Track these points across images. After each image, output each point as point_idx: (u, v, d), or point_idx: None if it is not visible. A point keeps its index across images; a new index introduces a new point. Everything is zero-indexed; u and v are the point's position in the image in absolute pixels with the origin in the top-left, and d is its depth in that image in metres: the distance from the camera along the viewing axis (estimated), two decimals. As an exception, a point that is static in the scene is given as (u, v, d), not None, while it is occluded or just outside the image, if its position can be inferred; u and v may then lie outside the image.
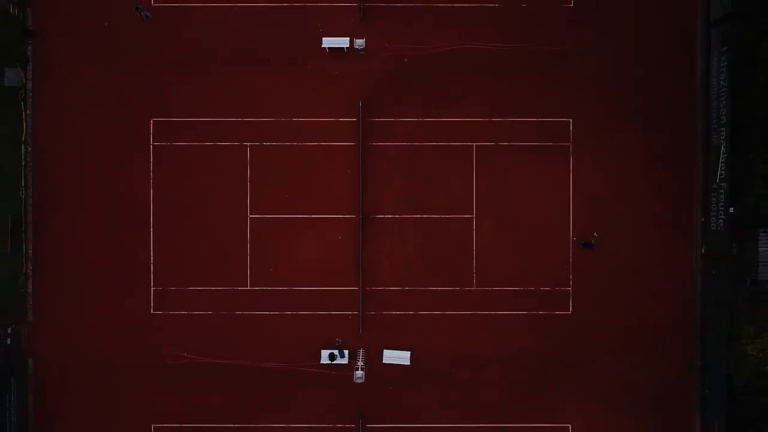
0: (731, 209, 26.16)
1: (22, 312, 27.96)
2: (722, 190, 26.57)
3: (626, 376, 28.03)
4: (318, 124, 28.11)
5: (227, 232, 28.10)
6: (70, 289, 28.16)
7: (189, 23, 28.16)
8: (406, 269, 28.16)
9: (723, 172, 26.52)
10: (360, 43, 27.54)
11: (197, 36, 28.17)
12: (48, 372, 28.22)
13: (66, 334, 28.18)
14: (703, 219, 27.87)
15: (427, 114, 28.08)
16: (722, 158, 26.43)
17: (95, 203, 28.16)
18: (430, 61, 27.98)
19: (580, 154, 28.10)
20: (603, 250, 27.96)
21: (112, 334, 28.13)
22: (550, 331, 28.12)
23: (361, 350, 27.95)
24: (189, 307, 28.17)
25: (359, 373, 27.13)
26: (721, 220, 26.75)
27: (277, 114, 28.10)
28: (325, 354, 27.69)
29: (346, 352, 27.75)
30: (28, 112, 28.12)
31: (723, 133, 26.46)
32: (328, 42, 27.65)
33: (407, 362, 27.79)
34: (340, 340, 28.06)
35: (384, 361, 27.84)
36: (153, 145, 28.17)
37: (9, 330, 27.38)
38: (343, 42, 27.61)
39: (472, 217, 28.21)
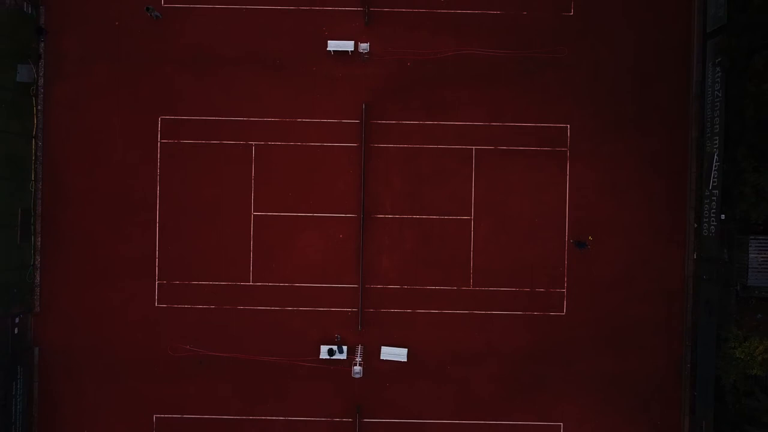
0: (722, 216, 26.75)
1: (29, 302, 28.60)
2: (714, 197, 27.16)
3: (618, 376, 28.62)
4: (322, 125, 28.74)
5: (231, 228, 28.73)
6: (76, 281, 28.77)
7: (198, 24, 28.75)
8: (405, 268, 28.77)
9: (716, 179, 27.09)
10: (364, 47, 28.14)
11: (205, 36, 28.76)
12: (53, 361, 28.84)
13: (71, 324, 28.79)
14: (695, 225, 28.48)
15: (429, 117, 28.71)
16: (715, 166, 27.02)
17: (103, 198, 28.78)
18: (432, 66, 28.60)
19: (576, 159, 28.71)
20: (597, 253, 28.61)
21: (116, 325, 28.74)
22: (544, 331, 28.72)
23: (360, 346, 28.55)
24: (192, 301, 28.79)
25: (357, 368, 27.71)
26: (713, 227, 27.37)
27: (282, 114, 28.72)
28: (324, 349, 28.28)
29: (344, 347, 28.31)
30: (39, 107, 28.73)
31: (716, 142, 27.03)
32: (333, 45, 28.25)
33: (404, 359, 28.39)
34: (339, 336, 28.66)
35: (381, 358, 28.43)
36: (160, 143, 28.81)
37: (17, 320, 27.94)
38: (347, 46, 28.22)
39: (470, 219, 28.84)
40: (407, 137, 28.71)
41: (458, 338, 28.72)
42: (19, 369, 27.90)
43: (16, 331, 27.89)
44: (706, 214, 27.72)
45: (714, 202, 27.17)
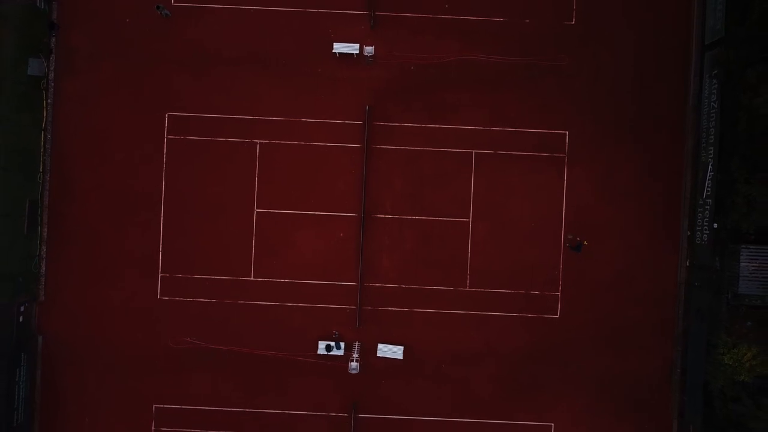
0: (715, 225, 27.22)
1: (34, 291, 29.11)
2: (708, 206, 27.65)
3: (609, 379, 29.10)
4: (325, 125, 29.25)
5: (234, 224, 29.23)
6: (81, 271, 29.29)
7: (206, 23, 29.24)
8: (404, 267, 29.25)
9: (709, 188, 27.57)
10: (369, 50, 28.61)
11: (213, 36, 29.24)
12: (56, 349, 29.34)
13: (75, 314, 29.30)
14: (689, 232, 28.96)
15: (430, 120, 29.20)
16: (709, 176, 27.50)
17: (109, 191, 29.28)
18: (435, 70, 29.09)
19: (574, 165, 29.20)
20: (592, 258, 29.09)
21: (119, 316, 29.23)
22: (538, 333, 29.19)
23: (357, 343, 29.02)
24: (194, 294, 29.29)
25: (354, 364, 28.18)
26: (705, 235, 27.85)
27: (287, 114, 29.22)
28: (322, 345, 28.75)
29: (342, 344, 28.78)
30: (49, 101, 29.22)
31: (711, 152, 27.52)
32: (338, 48, 28.74)
33: (400, 356, 28.84)
34: (337, 333, 29.14)
35: (378, 355, 28.88)
36: (167, 138, 29.34)
37: (22, 308, 28.47)
38: (353, 48, 28.69)
39: (469, 221, 29.34)
40: (409, 139, 29.21)
41: (454, 338, 29.20)
42: (23, 356, 28.39)
43: (21, 319, 28.38)
44: (700, 222, 28.21)
45: (707, 211, 27.66)
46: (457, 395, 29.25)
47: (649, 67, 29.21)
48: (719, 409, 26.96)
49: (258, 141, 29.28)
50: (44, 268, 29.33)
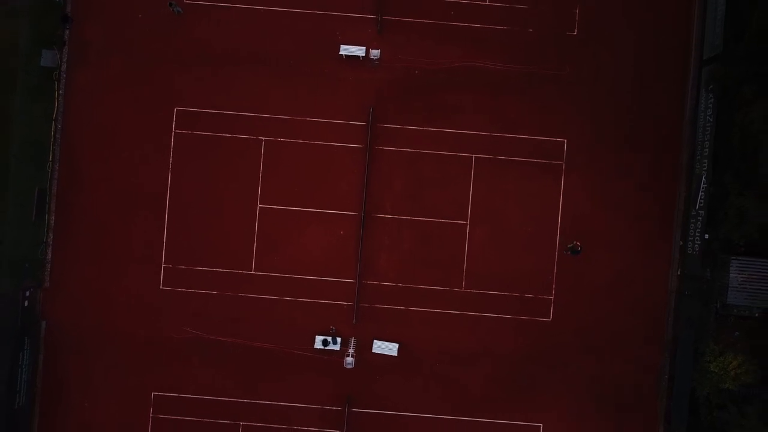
0: (706, 236, 27.77)
1: (40, 277, 29.70)
2: (700, 217, 28.14)
3: (599, 383, 29.60)
4: (329, 125, 29.81)
5: (237, 218, 29.78)
6: (86, 259, 29.85)
7: (217, 21, 29.78)
8: (401, 267, 29.78)
9: (702, 200, 28.07)
10: (375, 53, 29.22)
11: (223, 34, 29.78)
12: (59, 335, 29.86)
13: (79, 301, 29.85)
14: (681, 242, 29.47)
15: (432, 124, 29.73)
16: (702, 188, 28.00)
17: (116, 181, 29.84)
18: (439, 75, 29.64)
19: (571, 172, 29.72)
20: (585, 264, 29.61)
21: (121, 304, 29.79)
22: (530, 335, 29.70)
23: (353, 339, 29.56)
24: (195, 286, 29.84)
25: (349, 359, 28.79)
26: (697, 245, 28.36)
27: (292, 113, 29.76)
28: (319, 339, 29.27)
29: (338, 339, 29.30)
30: (60, 92, 29.80)
31: (705, 165, 28.06)
32: (345, 50, 29.32)
33: (395, 353, 29.38)
34: (334, 328, 29.65)
35: (373, 351, 29.42)
36: (174, 132, 29.94)
37: (27, 293, 29.09)
38: (359, 51, 29.28)
39: (466, 224, 29.88)
40: (410, 142, 29.75)
41: (449, 337, 29.71)
42: (26, 340, 28.98)
43: (26, 303, 29.00)
44: (692, 232, 28.73)
45: (699, 222, 28.17)
46: (449, 393, 29.76)
47: (648, 79, 29.72)
48: (704, 416, 27.50)
49: (263, 138, 29.84)
50: (50, 255, 29.87)
